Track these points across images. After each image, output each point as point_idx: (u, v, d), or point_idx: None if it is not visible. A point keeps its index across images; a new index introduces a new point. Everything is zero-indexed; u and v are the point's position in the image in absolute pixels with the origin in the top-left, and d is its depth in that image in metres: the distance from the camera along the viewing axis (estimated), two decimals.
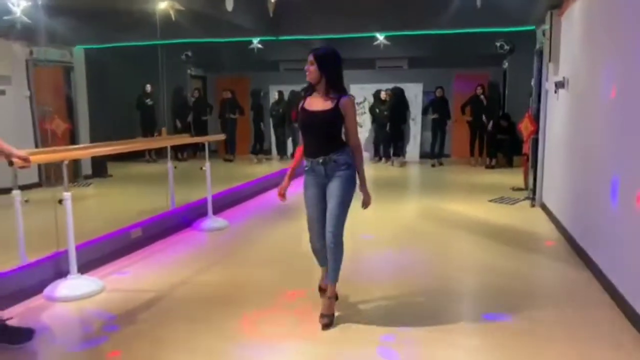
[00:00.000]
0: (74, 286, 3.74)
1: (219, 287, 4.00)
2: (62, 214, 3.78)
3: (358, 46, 10.45)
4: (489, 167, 10.68)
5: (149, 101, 11.59)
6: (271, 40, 9.63)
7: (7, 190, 3.85)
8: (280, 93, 12.19)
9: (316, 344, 3.00)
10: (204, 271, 4.37)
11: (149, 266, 4.50)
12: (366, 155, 12.36)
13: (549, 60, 6.27)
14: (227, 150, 11.99)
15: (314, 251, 3.39)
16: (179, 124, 11.69)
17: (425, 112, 11.77)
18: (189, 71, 12.31)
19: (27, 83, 8.34)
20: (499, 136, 10.77)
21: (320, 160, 3.19)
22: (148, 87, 11.55)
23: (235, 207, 6.95)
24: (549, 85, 6.49)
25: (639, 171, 3.23)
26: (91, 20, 8.34)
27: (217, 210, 6.07)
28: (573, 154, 5.17)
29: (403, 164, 11.38)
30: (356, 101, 11.96)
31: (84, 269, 3.98)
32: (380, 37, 10.30)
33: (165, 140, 6.19)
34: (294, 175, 3.43)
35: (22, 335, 3.02)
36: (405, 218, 6.50)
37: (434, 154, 11.32)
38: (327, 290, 3.30)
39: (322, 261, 3.37)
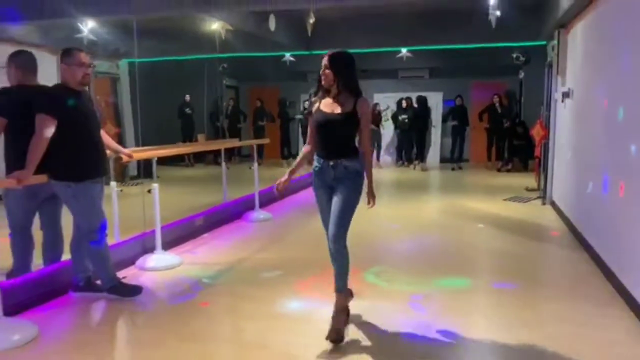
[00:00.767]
0: (160, 259, 4.64)
1: (273, 261, 4.85)
2: (149, 202, 4.69)
3: (383, 58, 11.34)
4: (506, 170, 11.40)
5: (187, 110, 12.65)
6: (304, 54, 10.54)
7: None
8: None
9: (359, 300, 3.81)
10: (259, 251, 5.23)
11: (214, 247, 5.38)
12: (389, 159, 13.22)
13: (557, 73, 7.04)
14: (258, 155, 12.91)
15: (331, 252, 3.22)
16: (225, 131, 12.58)
17: (445, 119, 12.59)
18: (224, 82, 13.30)
19: None
20: (515, 142, 11.51)
21: (332, 164, 3.16)
22: (187, 97, 12.62)
23: (273, 204, 7.81)
24: (557, 95, 7.24)
25: (622, 168, 4.00)
26: (143, 35, 9.36)
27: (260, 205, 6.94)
28: (575, 155, 5.92)
29: (424, 168, 12.17)
30: (380, 108, 12.88)
31: (163, 247, 4.87)
32: (404, 50, 11.15)
33: (221, 143, 7.11)
34: (294, 173, 3.43)
35: (134, 290, 3.90)
36: (427, 212, 7.30)
37: (453, 158, 12.10)
38: (335, 302, 3.19)
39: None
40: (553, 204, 7.27)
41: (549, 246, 5.47)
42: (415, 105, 12.29)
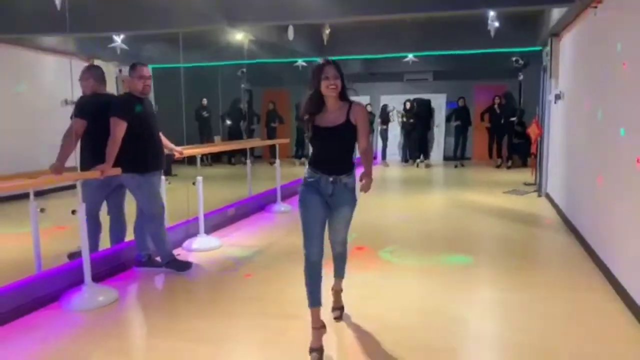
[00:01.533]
0: (204, 242, 5.37)
1: (298, 245, 5.52)
2: (194, 192, 5.43)
3: (389, 62, 12.05)
4: (506, 167, 12.11)
5: (204, 113, 13.38)
6: (316, 60, 11.26)
7: None
8: None
9: (374, 272, 4.53)
10: (285, 236, 5.95)
11: (246, 234, 6.11)
12: (395, 157, 13.94)
13: (550, 76, 7.75)
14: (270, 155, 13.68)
15: (312, 266, 3.28)
16: (243, 132, 13.29)
17: (448, 119, 13.34)
18: (242, 85, 14.03)
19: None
20: (515, 140, 12.23)
21: (331, 179, 3.11)
22: (204, 101, 13.35)
23: (292, 197, 8.54)
24: (550, 97, 7.95)
25: (598, 163, 4.71)
26: (167, 43, 10.13)
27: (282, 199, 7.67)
28: (565, 151, 6.63)
29: (428, 166, 12.88)
30: (387, 110, 13.60)
31: (205, 232, 5.60)
32: (410, 55, 11.86)
33: (248, 142, 7.85)
34: None
35: (186, 265, 4.63)
36: (433, 204, 8.02)
37: (456, 156, 12.83)
38: (336, 284, 3.64)
39: (317, 293, 3.25)
40: (547, 195, 7.98)
41: (542, 231, 6.18)
42: (414, 106, 13.06)
